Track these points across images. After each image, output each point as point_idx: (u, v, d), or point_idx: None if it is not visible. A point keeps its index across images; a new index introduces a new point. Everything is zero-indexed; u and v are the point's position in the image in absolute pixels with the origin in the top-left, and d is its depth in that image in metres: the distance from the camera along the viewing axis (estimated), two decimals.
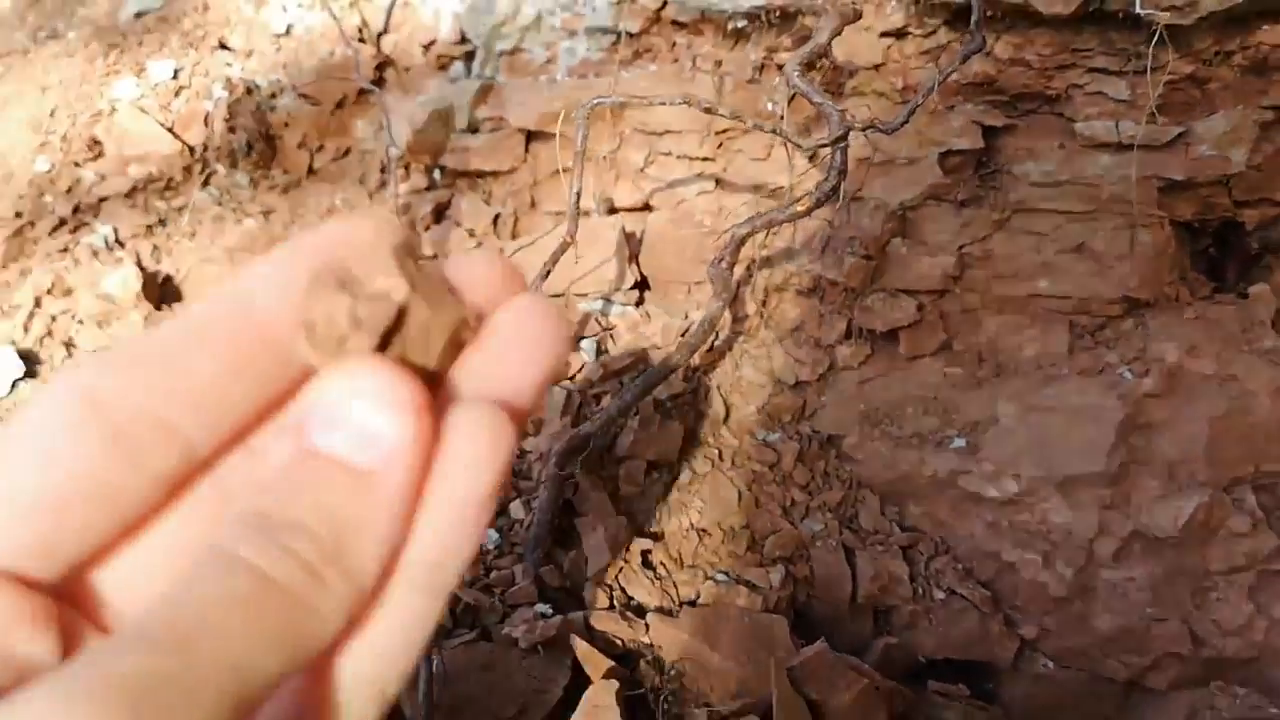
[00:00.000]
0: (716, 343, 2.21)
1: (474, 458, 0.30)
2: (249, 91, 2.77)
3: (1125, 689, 1.85)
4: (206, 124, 2.74)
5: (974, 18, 1.66)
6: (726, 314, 2.20)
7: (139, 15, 3.04)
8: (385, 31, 2.80)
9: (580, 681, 1.53)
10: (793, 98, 2.03)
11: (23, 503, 0.29)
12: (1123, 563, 1.84)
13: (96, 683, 0.24)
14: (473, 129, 2.69)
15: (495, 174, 2.67)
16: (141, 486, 0.31)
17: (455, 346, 0.32)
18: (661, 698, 1.57)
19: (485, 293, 0.33)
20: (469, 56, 2.75)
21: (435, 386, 0.31)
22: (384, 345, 0.29)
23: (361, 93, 2.76)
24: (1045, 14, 1.87)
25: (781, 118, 1.89)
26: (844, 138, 1.72)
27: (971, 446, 1.99)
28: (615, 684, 1.45)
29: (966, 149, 2.08)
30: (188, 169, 2.73)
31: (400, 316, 0.30)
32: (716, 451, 2.03)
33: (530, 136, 2.63)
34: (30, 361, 2.37)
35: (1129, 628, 1.82)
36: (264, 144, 2.78)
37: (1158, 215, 1.95)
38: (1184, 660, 1.80)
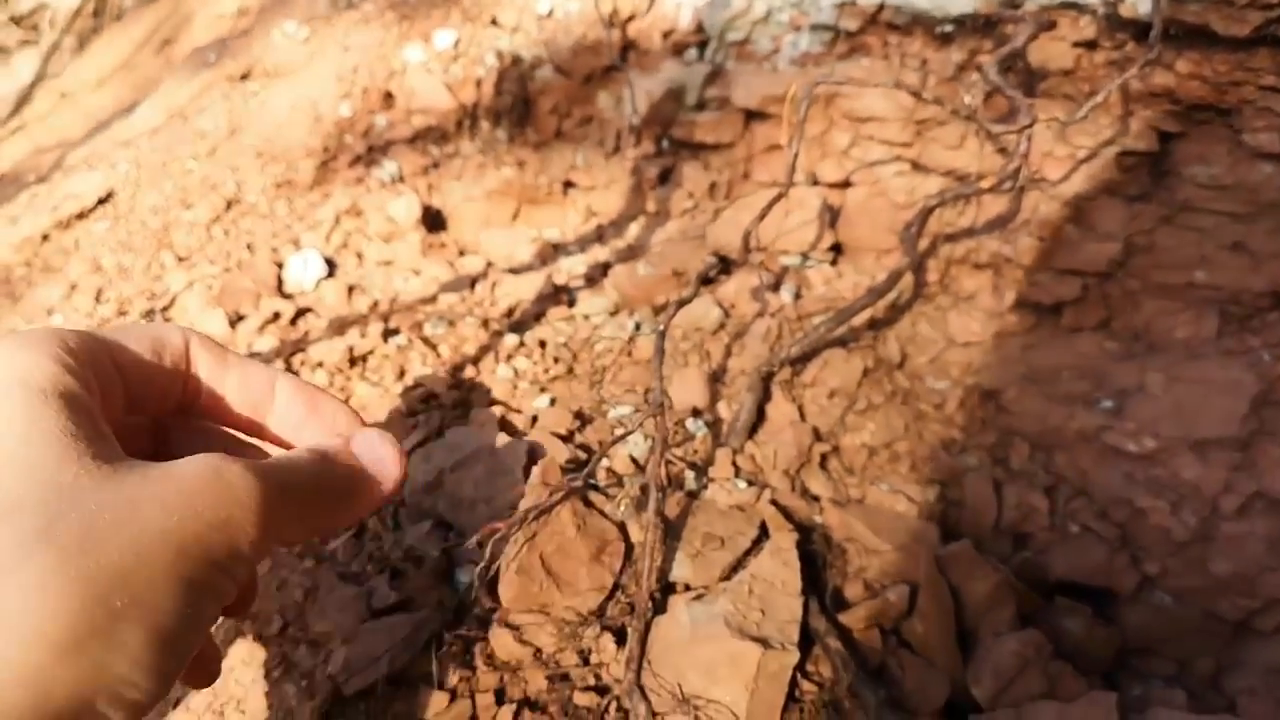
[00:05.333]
0: (899, 302, 2.54)
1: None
2: (514, 62, 3.26)
3: (1234, 628, 2.06)
4: (478, 87, 3.24)
5: (1154, 31, 1.95)
6: (910, 279, 2.53)
7: None
8: (632, 18, 3.24)
9: (765, 538, 1.90)
10: (989, 94, 2.35)
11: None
12: (1244, 518, 2.07)
13: (288, 473, 0.51)
14: (700, 106, 3.10)
15: (716, 146, 3.07)
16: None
17: None
18: (827, 563, 1.93)
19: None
20: (703, 44, 3.15)
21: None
22: None
23: (607, 70, 3.21)
24: (1222, 34, 2.12)
25: (976, 109, 2.20)
26: (1030, 126, 2.05)
27: (1117, 408, 2.25)
28: (795, 535, 1.82)
29: (1142, 150, 2.34)
30: (459, 123, 3.25)
31: None
32: (890, 389, 2.37)
33: (749, 116, 3.01)
34: (331, 265, 2.91)
35: (1243, 574, 2.05)
36: (522, 107, 3.26)
37: None
38: None
